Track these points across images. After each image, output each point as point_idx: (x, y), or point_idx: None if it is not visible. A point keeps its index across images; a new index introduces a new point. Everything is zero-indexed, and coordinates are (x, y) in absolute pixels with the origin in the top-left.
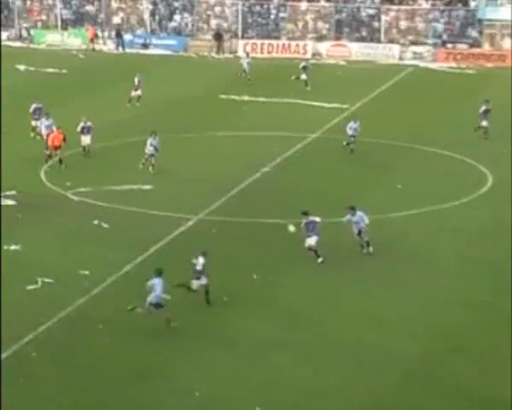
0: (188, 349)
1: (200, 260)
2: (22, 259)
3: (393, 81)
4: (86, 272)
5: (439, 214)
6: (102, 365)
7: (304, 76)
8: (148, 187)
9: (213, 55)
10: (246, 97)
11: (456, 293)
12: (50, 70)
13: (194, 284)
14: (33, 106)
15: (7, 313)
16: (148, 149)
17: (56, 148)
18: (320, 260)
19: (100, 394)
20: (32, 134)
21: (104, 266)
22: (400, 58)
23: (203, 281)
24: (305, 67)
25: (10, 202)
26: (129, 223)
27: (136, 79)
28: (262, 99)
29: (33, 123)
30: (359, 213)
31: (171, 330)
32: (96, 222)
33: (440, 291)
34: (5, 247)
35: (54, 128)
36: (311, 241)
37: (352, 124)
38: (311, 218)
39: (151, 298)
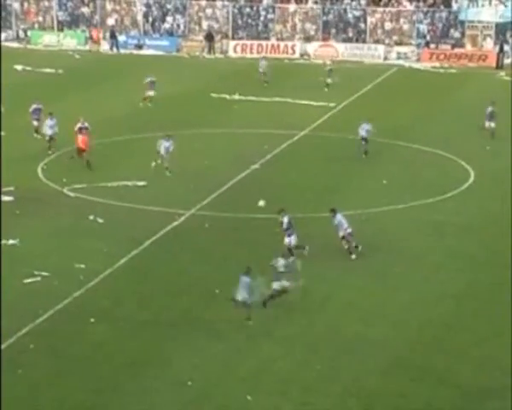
0: (180, 340)
1: (281, 262)
2: (20, 253)
3: (379, 80)
4: (82, 266)
5: (423, 209)
6: (98, 355)
7: (330, 80)
8: (141, 183)
9: (205, 55)
10: (236, 96)
11: (439, 285)
12: (47, 70)
13: (276, 285)
14: (33, 106)
15: (5, 305)
16: (160, 149)
17: (82, 150)
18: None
19: (95, 383)
20: (35, 134)
21: (99, 260)
22: (385, 58)
23: (285, 283)
24: (330, 70)
25: (8, 198)
26: (123, 218)
27: (148, 79)
28: (252, 98)
29: (34, 123)
30: (339, 215)
31: (164, 322)
32: (91, 217)
33: (424, 284)
34: (3, 241)
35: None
36: (293, 240)
37: (364, 125)
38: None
39: (241, 295)
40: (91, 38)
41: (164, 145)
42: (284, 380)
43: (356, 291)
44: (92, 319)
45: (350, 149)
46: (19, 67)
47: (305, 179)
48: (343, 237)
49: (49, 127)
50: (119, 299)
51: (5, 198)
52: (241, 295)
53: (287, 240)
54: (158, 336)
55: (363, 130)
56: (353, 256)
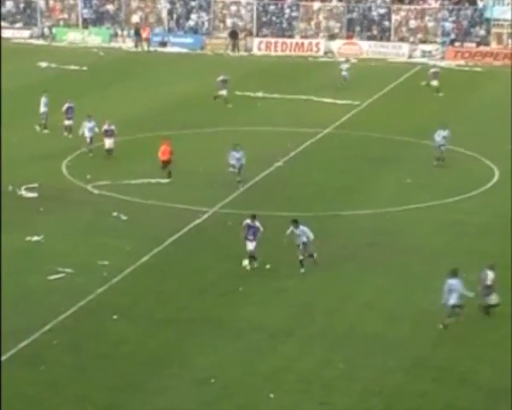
0: (201, 339)
1: (490, 275)
2: (43, 250)
3: (403, 79)
4: (105, 263)
5: (445, 208)
6: (119, 353)
7: (435, 82)
8: (165, 181)
9: (229, 52)
10: (260, 94)
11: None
12: (71, 67)
13: (491, 299)
14: (66, 105)
15: (29, 302)
16: (231, 161)
17: (165, 162)
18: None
19: (116, 381)
20: (66, 133)
21: (122, 257)
22: (410, 56)
23: (493, 299)
24: (435, 73)
25: (32, 195)
26: (147, 215)
27: (220, 78)
28: (276, 95)
29: (66, 122)
30: (302, 227)
31: (186, 320)
32: (115, 214)
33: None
34: (27, 238)
35: (96, 130)
36: (251, 245)
37: (440, 131)
38: (256, 223)
39: (452, 299)
40: (139, 36)
41: (235, 156)
42: (305, 379)
43: (376, 290)
44: (114, 316)
45: (374, 147)
46: (43, 64)
47: (328, 178)
48: (299, 246)
49: (88, 129)
50: (141, 296)
51: (29, 195)
52: (453, 299)
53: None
54: (179, 334)
55: (440, 136)
56: (302, 270)
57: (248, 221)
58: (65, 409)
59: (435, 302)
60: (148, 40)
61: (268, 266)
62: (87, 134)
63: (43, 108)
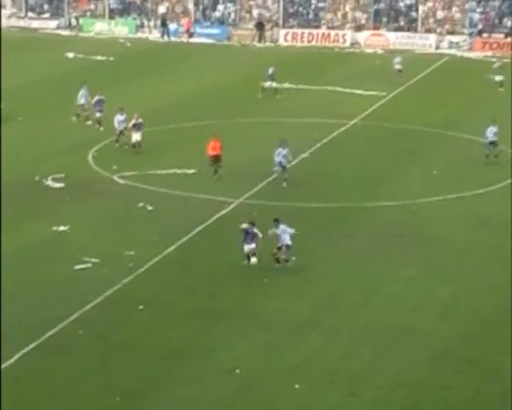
0: (227, 329)
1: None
2: (70, 240)
3: (430, 70)
4: (131, 253)
5: (472, 200)
6: (145, 343)
7: (499, 77)
8: (191, 171)
9: (255, 43)
10: (286, 85)
11: (486, 278)
12: (98, 57)
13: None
14: (96, 98)
15: (56, 291)
16: (277, 159)
17: (215, 157)
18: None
19: (142, 371)
20: (97, 126)
21: (148, 248)
22: (437, 47)
23: None
24: (500, 68)
25: (58, 185)
26: (173, 206)
27: (270, 70)
28: (302, 86)
29: (97, 115)
30: (282, 226)
31: (211, 311)
32: (141, 205)
33: (471, 276)
34: (54, 228)
35: (133, 121)
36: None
37: (491, 128)
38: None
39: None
40: (166, 27)
41: (281, 153)
42: (331, 370)
43: (402, 282)
44: (140, 307)
45: (400, 138)
46: (70, 55)
47: (354, 169)
48: (279, 248)
49: (119, 122)
50: (167, 287)
51: (56, 185)
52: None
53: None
54: (204, 324)
55: (491, 133)
56: (277, 265)
57: (245, 226)
58: (91, 398)
59: (462, 295)
60: (188, 32)
61: (294, 258)
62: (118, 127)
63: (81, 100)
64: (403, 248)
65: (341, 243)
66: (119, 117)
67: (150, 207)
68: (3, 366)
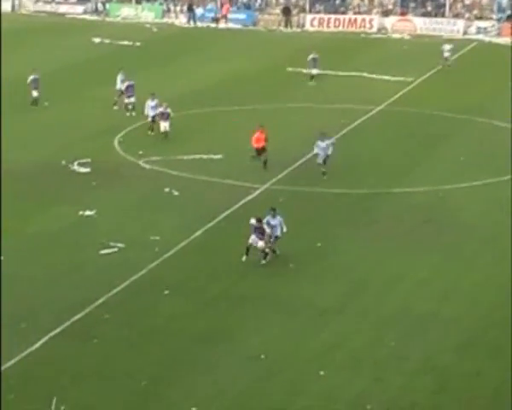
0: (252, 315)
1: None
2: (96, 224)
3: (457, 55)
4: (157, 238)
5: (500, 186)
6: (171, 328)
7: (314, 71)
8: (217, 157)
9: (282, 29)
10: (313, 70)
11: None
12: (125, 42)
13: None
14: (126, 83)
15: (83, 276)
16: (317, 151)
17: (259, 149)
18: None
19: (168, 356)
20: (128, 113)
21: (174, 232)
22: (465, 33)
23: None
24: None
25: (85, 170)
26: (198, 191)
27: (311, 57)
28: (329, 72)
29: (127, 100)
30: (279, 218)
31: (237, 296)
32: (166, 190)
33: (498, 263)
34: (80, 212)
35: (160, 109)
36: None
37: None
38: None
39: None
40: (192, 12)
41: (320, 146)
42: (356, 356)
43: (429, 269)
44: (166, 292)
45: (427, 124)
46: (97, 40)
47: (381, 155)
48: (277, 238)
49: (150, 108)
50: (192, 272)
51: (82, 170)
52: None
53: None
54: (230, 310)
55: None
56: (263, 262)
57: (253, 222)
58: (117, 383)
59: (489, 282)
60: (225, 17)
61: (319, 245)
62: (149, 113)
63: (119, 85)
64: (429, 234)
65: (367, 228)
66: (150, 103)
67: (176, 193)
68: (30, 349)
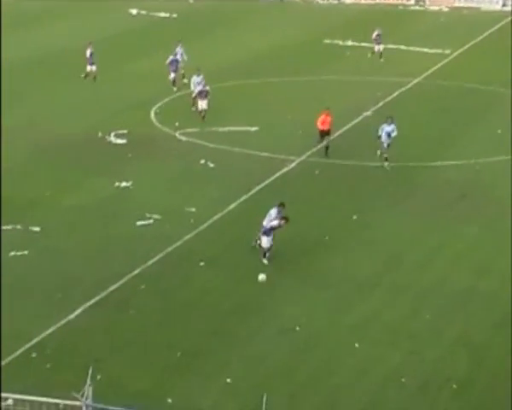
0: (288, 288)
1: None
2: (132, 195)
3: (496, 28)
4: (192, 210)
5: None
6: (206, 300)
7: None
8: (253, 129)
9: (319, 0)
10: (349, 42)
11: None
12: (161, 14)
13: None
14: (170, 58)
15: (119, 247)
16: (380, 133)
17: (324, 132)
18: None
19: (203, 328)
20: (175, 88)
21: (209, 204)
22: (504, 5)
23: None
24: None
25: (121, 141)
26: (234, 163)
27: (375, 33)
28: (365, 44)
29: (172, 75)
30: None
31: (272, 269)
32: (202, 162)
33: None
34: (116, 183)
35: (206, 87)
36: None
37: None
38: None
39: None
40: None
41: (386, 130)
42: (392, 329)
43: (466, 242)
44: (201, 263)
45: (464, 97)
46: (134, 11)
47: (418, 128)
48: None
49: (196, 84)
50: (228, 244)
51: (118, 141)
52: None
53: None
54: (266, 282)
55: None
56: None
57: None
58: (152, 354)
59: None
60: None
61: (355, 217)
62: (195, 89)
63: (178, 57)
64: (466, 208)
65: (404, 202)
66: (195, 78)
67: (212, 165)
68: (66, 319)
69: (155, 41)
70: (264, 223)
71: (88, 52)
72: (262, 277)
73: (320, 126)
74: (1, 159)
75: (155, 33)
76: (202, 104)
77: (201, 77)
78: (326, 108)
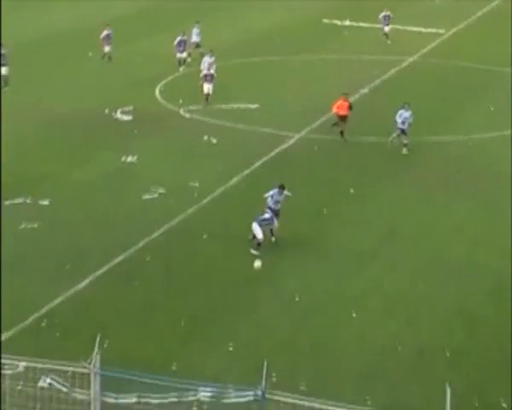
0: (289, 259)
1: None
2: (137, 170)
3: (490, 8)
4: (196, 184)
5: None
6: (210, 271)
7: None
8: (254, 106)
9: None
10: (347, 22)
11: None
12: None
13: None
14: (178, 38)
15: (125, 220)
16: (399, 123)
17: (341, 117)
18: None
19: (207, 298)
20: (181, 68)
21: (212, 179)
22: None
23: None
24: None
25: (127, 118)
26: (236, 139)
27: (382, 14)
28: (362, 24)
29: (178, 55)
30: (286, 192)
31: (274, 241)
32: (205, 138)
33: None
34: (122, 158)
35: (211, 71)
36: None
37: None
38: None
39: None
40: None
41: (404, 115)
42: (390, 300)
43: (461, 216)
44: (205, 236)
45: (458, 75)
46: None
47: (413, 105)
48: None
49: (207, 64)
50: (230, 217)
51: (124, 117)
52: None
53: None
54: (267, 253)
55: None
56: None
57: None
58: (158, 322)
59: None
60: None
61: (352, 191)
62: (204, 70)
63: (194, 38)
64: (461, 183)
65: (401, 176)
66: (207, 59)
67: (214, 140)
68: (75, 289)
69: (159, 22)
70: (272, 204)
71: (104, 33)
72: (258, 264)
73: (337, 111)
74: (1, 136)
75: (159, 14)
76: (208, 87)
77: (213, 59)
78: (344, 93)
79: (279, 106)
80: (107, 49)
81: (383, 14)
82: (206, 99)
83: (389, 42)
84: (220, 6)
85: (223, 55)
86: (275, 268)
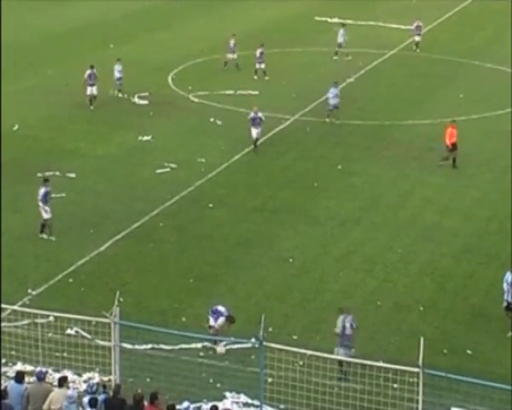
0: (283, 224)
1: None
2: (152, 147)
3: (464, 4)
4: (203, 160)
5: (494, 119)
6: (215, 235)
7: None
8: (254, 92)
9: None
10: (336, 20)
11: (506, 184)
12: None
13: None
14: (88, 72)
15: (141, 190)
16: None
17: (453, 145)
18: None
19: (213, 258)
20: (92, 107)
21: (217, 156)
22: None
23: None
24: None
25: (143, 102)
26: (238, 121)
27: (415, 24)
28: (349, 21)
29: (88, 91)
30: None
31: (271, 209)
32: (211, 120)
33: (493, 183)
34: (139, 137)
35: (259, 114)
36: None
37: None
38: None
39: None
40: None
41: (333, 92)
42: (370, 260)
43: (434, 188)
44: (211, 205)
45: (432, 66)
46: None
47: (393, 92)
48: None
49: (230, 49)
50: (233, 188)
51: (141, 102)
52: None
53: None
54: (265, 220)
55: None
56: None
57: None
58: (170, 279)
59: (484, 199)
60: None
61: (339, 167)
62: (228, 55)
63: (117, 74)
64: (433, 160)
65: (382, 153)
66: (231, 45)
67: (219, 122)
68: (97, 251)
69: (167, 17)
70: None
71: (87, 72)
72: (221, 350)
73: (449, 140)
74: (1, 128)
75: (169, 9)
76: (256, 132)
77: (235, 46)
78: (452, 120)
79: (276, 92)
80: (89, 90)
81: (416, 24)
82: (255, 144)
83: (418, 50)
84: (223, 3)
85: (226, 47)
86: (272, 232)
